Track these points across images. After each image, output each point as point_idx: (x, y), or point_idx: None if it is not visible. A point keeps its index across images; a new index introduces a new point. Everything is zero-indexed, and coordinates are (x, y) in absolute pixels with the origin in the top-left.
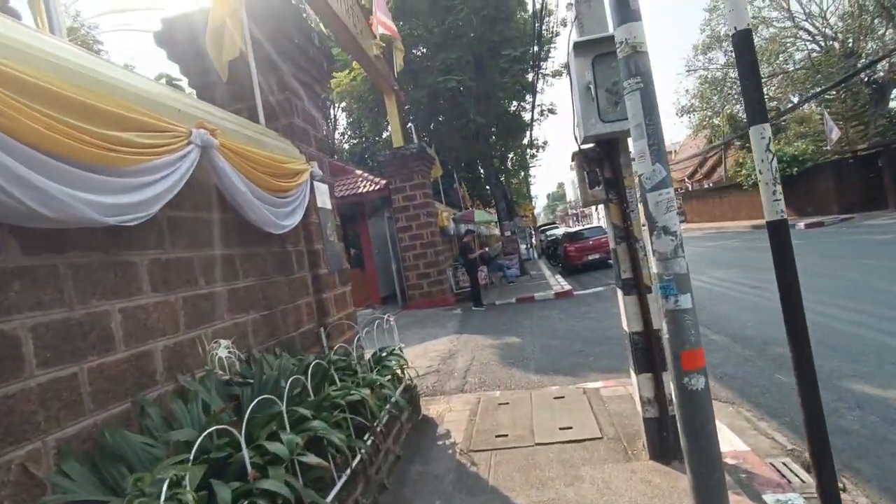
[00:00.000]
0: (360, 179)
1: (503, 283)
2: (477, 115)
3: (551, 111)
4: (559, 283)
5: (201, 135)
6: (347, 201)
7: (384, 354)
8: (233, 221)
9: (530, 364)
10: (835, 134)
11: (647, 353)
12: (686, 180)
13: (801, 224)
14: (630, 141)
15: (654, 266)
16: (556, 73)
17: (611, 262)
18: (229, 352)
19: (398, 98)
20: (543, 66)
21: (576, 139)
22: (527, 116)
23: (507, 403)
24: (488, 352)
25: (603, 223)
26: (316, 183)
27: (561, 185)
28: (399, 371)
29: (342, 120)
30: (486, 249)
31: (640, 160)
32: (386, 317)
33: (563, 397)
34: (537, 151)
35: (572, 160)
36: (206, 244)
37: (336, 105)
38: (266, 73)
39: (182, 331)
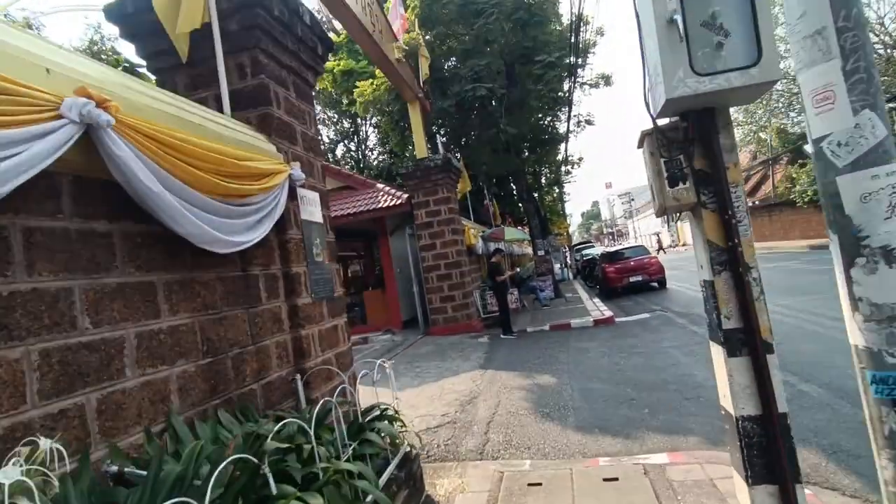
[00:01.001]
0: (381, 193)
1: (536, 306)
2: (508, 126)
3: (588, 122)
4: (598, 309)
5: (80, 106)
6: (367, 217)
7: (368, 420)
8: (158, 236)
9: (569, 417)
10: None
11: (767, 451)
12: None
13: None
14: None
15: (854, 332)
16: (594, 84)
17: (654, 284)
18: (22, 469)
19: (422, 106)
20: (580, 75)
21: (647, 109)
22: (562, 128)
23: (540, 484)
24: (517, 395)
25: (644, 241)
26: (300, 190)
27: (595, 204)
28: (390, 440)
29: (372, 136)
30: (518, 270)
31: (822, 106)
32: (379, 361)
33: (616, 479)
34: (572, 168)
35: (640, 144)
36: (99, 267)
37: (366, 121)
38: (237, 51)
39: (32, 403)
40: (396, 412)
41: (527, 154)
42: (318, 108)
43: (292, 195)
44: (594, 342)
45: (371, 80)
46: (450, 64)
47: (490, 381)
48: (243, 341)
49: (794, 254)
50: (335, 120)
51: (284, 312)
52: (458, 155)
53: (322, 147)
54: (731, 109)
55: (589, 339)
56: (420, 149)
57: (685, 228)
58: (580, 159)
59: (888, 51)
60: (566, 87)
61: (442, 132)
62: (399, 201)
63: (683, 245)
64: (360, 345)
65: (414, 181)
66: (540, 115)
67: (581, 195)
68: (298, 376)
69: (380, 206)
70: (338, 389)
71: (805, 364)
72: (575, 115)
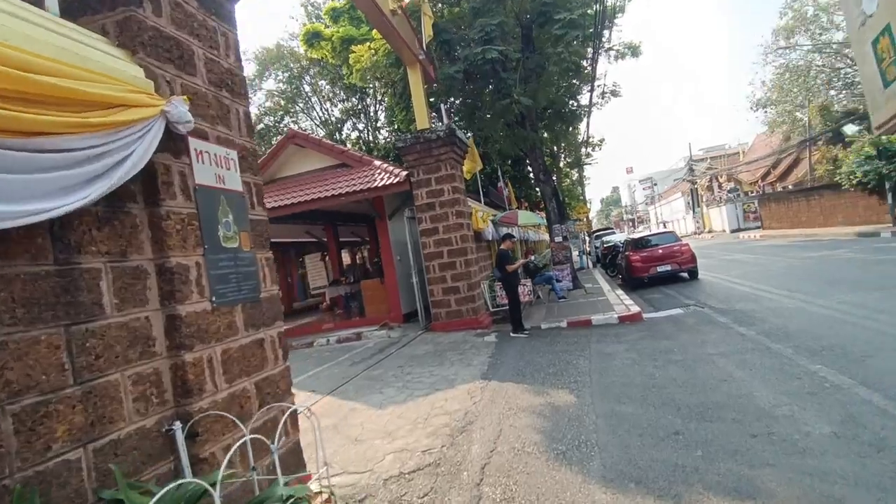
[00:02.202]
0: (378, 171)
1: (552, 298)
2: (522, 96)
3: (614, 93)
4: (622, 303)
5: None
6: (361, 197)
7: None
8: None
9: (593, 459)
10: None
11: None
12: (760, 182)
13: None
14: None
15: None
16: (620, 54)
17: (683, 274)
18: None
19: (424, 71)
20: (606, 38)
21: None
22: (584, 100)
23: None
24: (524, 422)
25: (672, 227)
26: (193, 141)
27: (615, 190)
28: None
29: (383, 117)
30: (533, 257)
31: None
32: (292, 409)
33: None
34: (593, 150)
35: None
36: None
37: (375, 99)
38: None
39: None
40: (320, 492)
41: (545, 132)
42: (324, 84)
43: (178, 148)
44: (620, 344)
45: (368, 44)
46: (456, 25)
47: (492, 397)
48: (51, 382)
49: (840, 241)
50: (342, 98)
51: (158, 327)
52: (469, 133)
53: (329, 126)
54: (760, 90)
55: (614, 341)
56: (421, 119)
57: (711, 215)
58: (601, 140)
59: None
60: (589, 52)
61: (449, 105)
62: (397, 179)
63: (710, 232)
64: (351, 341)
65: (413, 156)
66: (560, 84)
67: (601, 181)
68: (179, 425)
69: (375, 185)
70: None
71: None
72: (599, 85)
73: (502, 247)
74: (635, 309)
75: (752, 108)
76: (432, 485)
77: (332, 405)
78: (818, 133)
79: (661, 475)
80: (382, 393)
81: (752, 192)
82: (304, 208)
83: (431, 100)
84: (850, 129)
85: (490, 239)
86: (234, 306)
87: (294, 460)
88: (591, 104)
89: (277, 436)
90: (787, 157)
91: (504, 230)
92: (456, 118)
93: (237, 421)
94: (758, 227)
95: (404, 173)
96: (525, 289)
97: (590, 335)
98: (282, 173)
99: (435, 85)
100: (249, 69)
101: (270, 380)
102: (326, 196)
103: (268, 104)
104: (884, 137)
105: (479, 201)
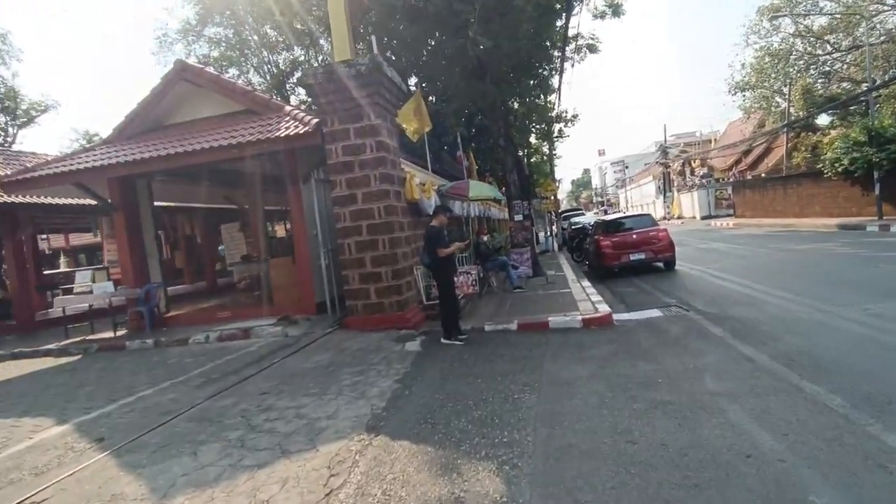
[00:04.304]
0: (285, 119)
1: (506, 287)
2: (479, 35)
3: (591, 48)
4: (588, 299)
5: None
6: (258, 150)
7: None
8: None
9: None
10: None
11: None
12: (734, 169)
13: None
14: None
15: None
16: (599, 14)
17: (658, 263)
18: None
19: None
20: None
21: None
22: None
23: None
24: None
25: (647, 210)
26: None
27: (586, 172)
28: None
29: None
30: (485, 238)
31: None
32: None
33: None
34: (566, 125)
35: None
36: None
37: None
38: None
39: None
40: None
41: (510, 91)
42: (269, 30)
43: None
44: (584, 367)
45: None
46: None
47: (364, 478)
48: None
49: (823, 234)
50: (285, 46)
51: None
52: (413, 82)
53: (275, 80)
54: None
55: (575, 358)
56: (340, 47)
57: (682, 201)
58: (575, 116)
59: None
60: None
61: (391, 53)
62: (304, 129)
63: (679, 218)
64: (235, 340)
65: (327, 98)
66: (530, 30)
67: (572, 163)
68: None
69: (276, 135)
70: None
71: None
72: (574, 37)
73: (432, 223)
74: (604, 309)
75: (730, 91)
76: None
77: (92, 482)
78: (796, 119)
79: None
80: (195, 456)
81: (723, 179)
82: (174, 164)
83: (371, 35)
84: (823, 119)
85: (431, 214)
86: None
87: None
88: (563, 57)
89: None
90: (759, 145)
91: (457, 205)
92: (391, 55)
93: None
94: (730, 215)
95: (315, 121)
96: (469, 278)
97: (545, 345)
98: (172, 119)
99: (367, 24)
100: (189, 13)
101: None
102: (204, 148)
103: (214, 54)
104: (877, 122)
105: (426, 168)
